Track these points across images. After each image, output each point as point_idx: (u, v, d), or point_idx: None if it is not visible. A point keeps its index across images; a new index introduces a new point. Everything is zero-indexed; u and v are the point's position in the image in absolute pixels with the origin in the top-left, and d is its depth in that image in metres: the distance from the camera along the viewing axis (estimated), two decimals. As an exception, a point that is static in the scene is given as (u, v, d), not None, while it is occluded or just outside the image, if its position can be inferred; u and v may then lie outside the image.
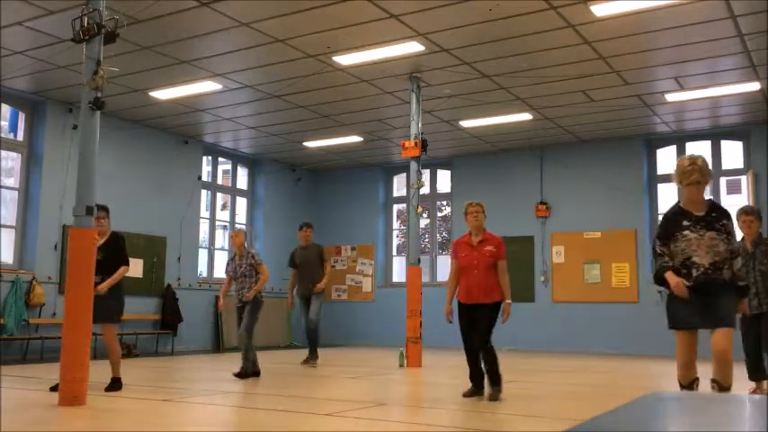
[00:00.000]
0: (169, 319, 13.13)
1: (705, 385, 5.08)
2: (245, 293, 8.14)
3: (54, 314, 11.22)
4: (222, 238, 17.06)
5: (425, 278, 13.72)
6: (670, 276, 4.78)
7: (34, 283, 11.19)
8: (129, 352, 11.93)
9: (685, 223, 4.84)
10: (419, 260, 10.71)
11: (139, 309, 12.69)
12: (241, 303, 8.22)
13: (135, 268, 12.78)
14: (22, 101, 11.67)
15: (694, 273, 4.74)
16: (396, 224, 17.86)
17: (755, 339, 6.62)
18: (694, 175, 4.83)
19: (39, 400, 6.21)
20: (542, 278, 14.45)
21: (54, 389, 6.35)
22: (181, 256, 13.72)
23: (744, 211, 6.81)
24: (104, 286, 6.69)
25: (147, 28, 8.72)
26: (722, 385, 4.76)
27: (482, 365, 6.35)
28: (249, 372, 8.07)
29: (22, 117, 11.87)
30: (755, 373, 6.68)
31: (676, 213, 4.94)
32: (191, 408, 6.06)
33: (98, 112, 6.21)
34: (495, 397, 6.20)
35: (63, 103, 11.77)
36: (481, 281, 6.33)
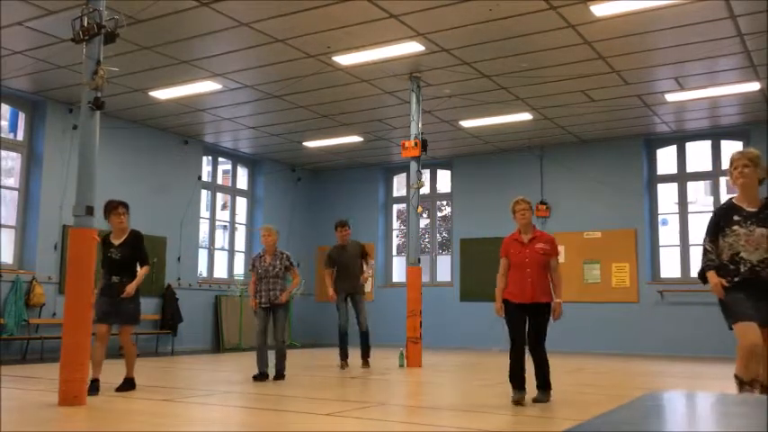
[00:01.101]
0: (169, 319, 13.13)
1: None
2: (276, 295, 7.95)
3: (54, 314, 11.23)
4: (222, 238, 17.06)
5: (425, 278, 13.71)
6: (711, 276, 4.72)
7: (34, 283, 11.19)
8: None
9: (736, 218, 4.73)
10: (419, 260, 10.70)
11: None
12: (269, 305, 7.96)
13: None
14: (22, 101, 11.67)
15: (742, 269, 4.65)
16: (396, 224, 17.85)
17: None
18: (742, 160, 4.76)
19: (39, 400, 6.21)
20: (542, 278, 14.43)
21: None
22: (181, 256, 13.72)
23: None
24: (132, 289, 6.68)
25: (147, 28, 8.72)
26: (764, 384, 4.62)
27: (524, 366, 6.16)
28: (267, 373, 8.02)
29: (22, 117, 11.87)
30: None
31: (727, 208, 4.84)
32: (191, 408, 6.06)
33: (98, 112, 6.21)
34: (544, 399, 6.12)
35: (63, 103, 11.77)
36: (535, 280, 6.15)
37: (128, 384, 6.81)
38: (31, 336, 10.94)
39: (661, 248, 13.99)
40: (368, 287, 16.50)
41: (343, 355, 9.67)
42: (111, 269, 6.66)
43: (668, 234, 15.63)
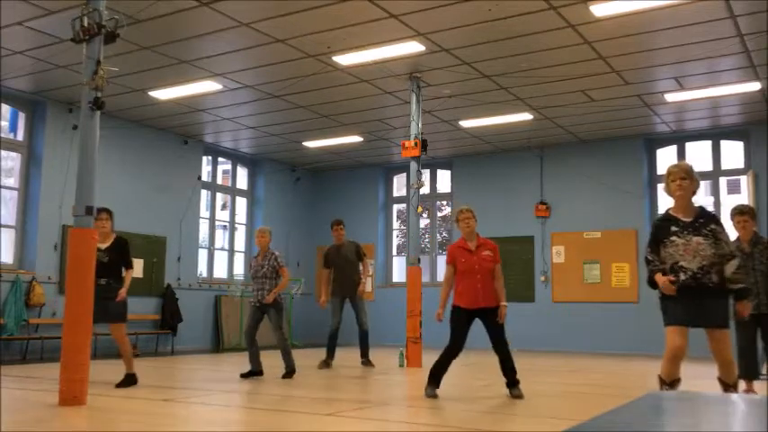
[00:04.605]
0: (169, 318, 13.13)
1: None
2: (264, 295, 8.04)
3: (54, 314, 11.23)
4: (222, 238, 17.05)
5: (425, 278, 13.70)
6: (659, 277, 4.96)
7: (34, 283, 11.18)
8: (129, 352, 11.92)
9: (673, 229, 5.01)
10: (419, 260, 10.70)
11: (139, 309, 12.68)
12: (259, 304, 8.09)
13: (135, 268, 12.77)
14: (22, 101, 11.66)
15: (682, 276, 4.89)
16: (396, 224, 17.85)
17: (752, 340, 6.59)
18: (680, 173, 5.05)
19: (39, 400, 6.21)
20: (542, 278, 14.45)
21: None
22: (181, 256, 13.72)
23: (738, 212, 6.71)
24: (125, 292, 7.06)
25: (147, 28, 8.72)
26: (726, 383, 4.95)
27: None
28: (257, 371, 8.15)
29: (22, 117, 11.87)
30: (748, 373, 6.62)
31: (664, 220, 5.14)
32: (191, 408, 6.06)
33: (98, 112, 6.21)
34: (521, 394, 6.38)
35: (63, 103, 11.77)
36: (486, 285, 6.40)
37: (129, 380, 6.98)
38: (31, 336, 10.94)
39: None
40: (368, 287, 16.54)
41: (330, 355, 9.75)
42: (99, 271, 6.75)
43: (668, 234, 15.59)
